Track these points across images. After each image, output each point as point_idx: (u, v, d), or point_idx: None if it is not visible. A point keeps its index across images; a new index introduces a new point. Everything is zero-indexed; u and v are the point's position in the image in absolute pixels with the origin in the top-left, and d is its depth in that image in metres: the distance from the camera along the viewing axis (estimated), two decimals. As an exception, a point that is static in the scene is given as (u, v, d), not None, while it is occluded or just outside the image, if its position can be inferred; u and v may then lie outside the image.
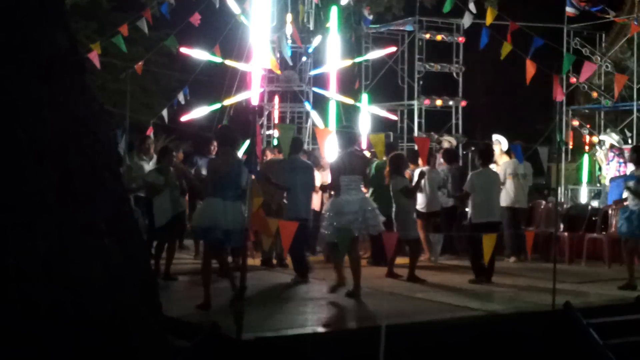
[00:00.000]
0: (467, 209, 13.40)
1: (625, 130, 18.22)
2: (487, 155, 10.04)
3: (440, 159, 13.07)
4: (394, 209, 9.98)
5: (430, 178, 11.67)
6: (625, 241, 9.67)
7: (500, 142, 13.06)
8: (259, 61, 14.77)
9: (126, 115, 8.21)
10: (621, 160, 13.40)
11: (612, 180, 13.22)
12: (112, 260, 3.72)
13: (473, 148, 16.34)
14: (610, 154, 13.36)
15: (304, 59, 17.72)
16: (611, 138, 13.98)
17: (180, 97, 14.42)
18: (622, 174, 13.36)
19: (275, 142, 9.66)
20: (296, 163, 9.56)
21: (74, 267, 3.68)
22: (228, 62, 15.76)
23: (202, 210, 7.74)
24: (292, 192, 9.47)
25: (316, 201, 11.35)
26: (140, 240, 4.53)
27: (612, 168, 13.36)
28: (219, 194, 7.50)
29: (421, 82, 18.48)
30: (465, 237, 12.38)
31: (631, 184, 9.34)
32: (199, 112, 16.72)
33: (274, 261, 10.68)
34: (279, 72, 16.26)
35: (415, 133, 17.86)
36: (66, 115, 3.87)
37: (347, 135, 8.24)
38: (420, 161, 11.49)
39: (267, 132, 17.47)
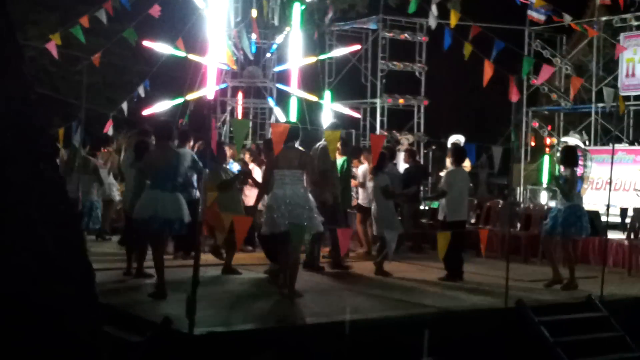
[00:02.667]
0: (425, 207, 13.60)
1: (584, 132, 18.52)
2: (461, 155, 10.12)
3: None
4: (373, 206, 10.04)
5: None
6: (548, 239, 9.67)
7: (460, 142, 13.26)
8: (216, 56, 14.71)
9: (82, 108, 8.13)
10: (581, 162, 13.62)
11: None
12: (46, 249, 3.69)
13: (434, 147, 16.51)
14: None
15: (267, 55, 17.71)
16: (574, 139, 14.22)
17: (141, 90, 14.29)
18: (579, 174, 13.54)
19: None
20: None
21: (5, 255, 3.65)
22: (191, 56, 15.67)
23: (142, 202, 7.94)
24: None
25: None
26: (78, 230, 4.50)
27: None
28: (157, 186, 7.83)
29: (384, 81, 18.60)
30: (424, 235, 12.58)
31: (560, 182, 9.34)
32: (161, 106, 16.62)
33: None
34: (234, 67, 16.23)
35: (378, 131, 17.96)
36: (1, 103, 3.83)
37: (288, 129, 8.03)
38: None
39: (232, 128, 17.40)
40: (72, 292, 3.77)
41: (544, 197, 17.93)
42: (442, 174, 11.10)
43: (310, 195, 8.08)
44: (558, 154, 14.47)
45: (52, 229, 3.77)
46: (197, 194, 9.94)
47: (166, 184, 7.81)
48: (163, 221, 7.76)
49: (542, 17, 15.55)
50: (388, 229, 9.77)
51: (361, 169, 12.25)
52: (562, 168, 9.39)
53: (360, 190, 12.27)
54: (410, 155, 13.45)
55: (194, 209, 8.91)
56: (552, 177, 9.16)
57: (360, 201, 12.30)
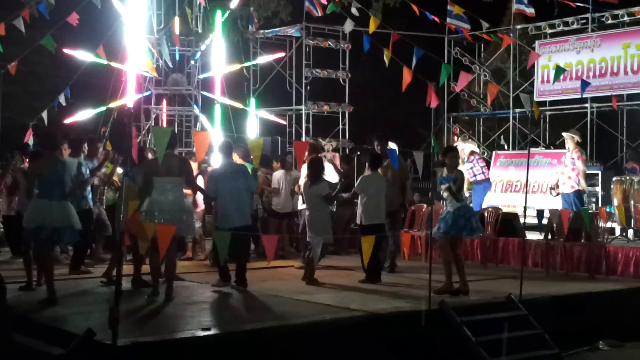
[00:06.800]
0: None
1: (502, 137, 19.08)
2: (377, 160, 10.27)
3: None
4: (307, 213, 10.03)
5: (286, 180, 12.36)
6: (444, 242, 9.17)
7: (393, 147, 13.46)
8: (135, 63, 14.60)
9: (-2, 118, 8.03)
10: (482, 164, 14.07)
11: (474, 184, 13.77)
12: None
13: (359, 153, 16.67)
14: (472, 158, 13.97)
15: (191, 62, 17.62)
16: (471, 145, 14.63)
17: (61, 99, 14.02)
18: (486, 176, 13.97)
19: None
20: (228, 168, 9.17)
21: None
22: (113, 63, 15.46)
23: (30, 211, 8.09)
24: (222, 200, 9.01)
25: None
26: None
27: (467, 168, 13.97)
28: (44, 195, 7.99)
29: (308, 88, 18.74)
30: (351, 239, 12.71)
31: (444, 187, 9.12)
32: (83, 115, 16.36)
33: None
34: (155, 74, 16.12)
35: (303, 138, 18.07)
36: None
37: (169, 136, 8.07)
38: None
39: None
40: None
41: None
42: None
43: (188, 202, 8.38)
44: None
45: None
46: (90, 203, 9.97)
47: (53, 193, 7.98)
48: (51, 230, 7.92)
49: (464, 25, 15.96)
50: (321, 234, 9.84)
51: (276, 175, 12.44)
52: (445, 171, 9.33)
53: (275, 196, 12.45)
54: (344, 160, 13.67)
55: (87, 219, 9.45)
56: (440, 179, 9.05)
57: (274, 207, 12.51)
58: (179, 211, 8.16)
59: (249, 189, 9.24)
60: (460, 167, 13.95)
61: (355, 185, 10.18)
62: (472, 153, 14.04)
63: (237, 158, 10.75)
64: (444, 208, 9.37)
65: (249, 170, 9.44)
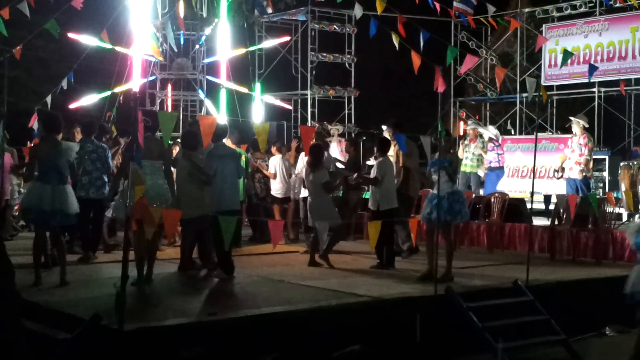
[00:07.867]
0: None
1: (509, 121, 19.01)
2: (386, 145, 10.23)
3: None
4: (309, 200, 10.07)
5: (284, 166, 12.38)
6: (436, 228, 8.92)
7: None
8: (140, 47, 14.54)
9: (4, 101, 8.00)
10: (499, 152, 13.99)
11: (488, 170, 13.73)
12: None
13: (364, 137, 16.62)
14: (490, 145, 13.88)
15: (196, 46, 17.55)
16: (489, 132, 14.55)
17: (64, 83, 13.97)
18: (500, 164, 13.90)
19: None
20: (221, 151, 9.02)
21: None
22: (118, 48, 15.40)
23: (28, 194, 8.21)
24: (218, 182, 8.82)
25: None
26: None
27: (489, 157, 13.89)
28: (41, 178, 8.03)
29: (314, 72, 18.67)
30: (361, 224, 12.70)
31: (433, 170, 9.00)
32: (88, 99, 16.32)
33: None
34: (160, 58, 16.06)
35: (309, 122, 18.02)
36: None
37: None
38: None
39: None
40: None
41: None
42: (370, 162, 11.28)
43: (166, 187, 8.25)
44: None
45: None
46: (106, 191, 9.85)
47: (50, 176, 7.99)
48: (41, 213, 7.94)
49: (468, 10, 15.88)
50: (325, 220, 9.83)
51: (272, 160, 12.44)
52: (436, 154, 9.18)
53: (274, 181, 12.44)
54: (352, 145, 13.62)
55: (101, 207, 9.48)
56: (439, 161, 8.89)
57: (274, 192, 12.51)
58: (157, 194, 8.08)
59: (237, 175, 9.14)
60: (475, 147, 13.94)
61: (375, 172, 10.07)
62: (491, 140, 13.97)
63: (230, 144, 10.73)
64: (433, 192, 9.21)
65: (242, 158, 9.40)
